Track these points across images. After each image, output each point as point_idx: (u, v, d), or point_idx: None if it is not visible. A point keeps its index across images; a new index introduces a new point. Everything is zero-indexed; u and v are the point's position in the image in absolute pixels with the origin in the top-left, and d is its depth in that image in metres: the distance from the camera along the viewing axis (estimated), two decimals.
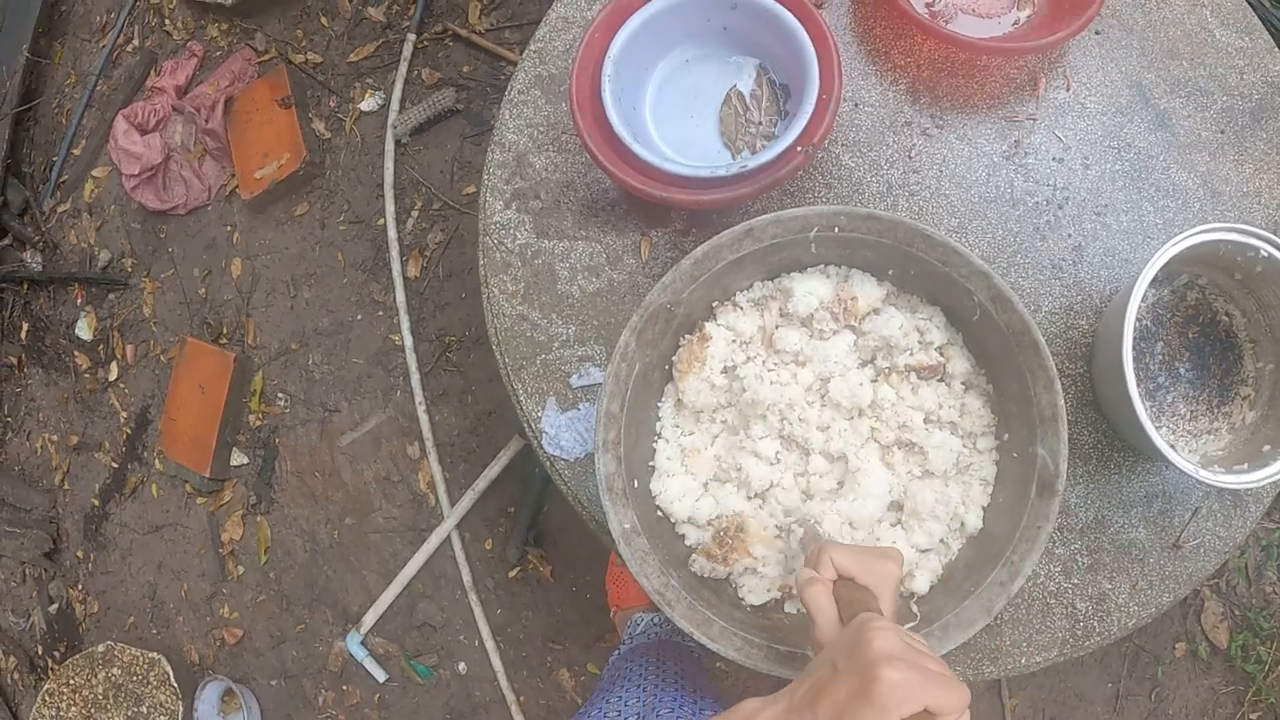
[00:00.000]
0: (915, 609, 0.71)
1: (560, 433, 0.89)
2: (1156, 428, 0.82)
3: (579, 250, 0.93)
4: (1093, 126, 0.90)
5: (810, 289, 0.75)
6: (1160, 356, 0.83)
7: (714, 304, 0.78)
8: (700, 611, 0.68)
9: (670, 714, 0.85)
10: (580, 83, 0.86)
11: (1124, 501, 0.83)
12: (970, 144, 0.90)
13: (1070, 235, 0.88)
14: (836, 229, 0.72)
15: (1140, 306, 0.78)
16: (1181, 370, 0.83)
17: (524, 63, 1.01)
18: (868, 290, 0.76)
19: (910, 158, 0.90)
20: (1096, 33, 0.92)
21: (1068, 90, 0.91)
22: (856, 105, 0.91)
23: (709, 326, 0.77)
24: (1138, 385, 0.82)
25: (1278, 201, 0.88)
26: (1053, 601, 0.81)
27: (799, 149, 0.79)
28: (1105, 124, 0.90)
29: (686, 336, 0.78)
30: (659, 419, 0.79)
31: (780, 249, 0.74)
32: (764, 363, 0.77)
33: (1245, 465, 0.75)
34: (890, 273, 0.76)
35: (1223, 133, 0.89)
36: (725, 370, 0.77)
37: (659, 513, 0.76)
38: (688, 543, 0.76)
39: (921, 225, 0.71)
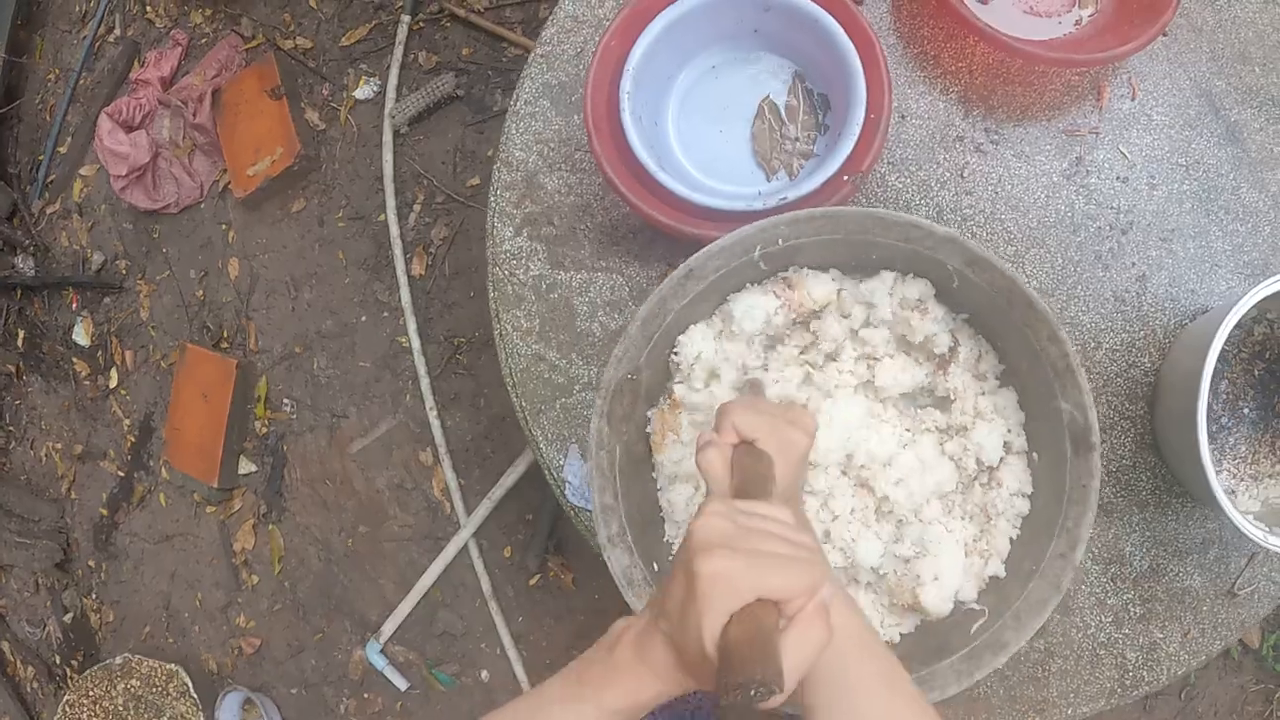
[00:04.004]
0: (978, 605, 0.68)
1: (585, 483, 0.84)
2: (1218, 471, 0.78)
3: (599, 283, 0.86)
4: (1159, 141, 0.83)
5: (750, 304, 0.70)
6: (1225, 396, 0.79)
7: (673, 356, 0.73)
8: None
9: None
10: (595, 101, 0.78)
11: (1180, 549, 0.79)
12: (1028, 161, 0.83)
13: (1134, 264, 0.81)
14: (780, 241, 0.66)
15: None
16: (1245, 410, 0.79)
17: (529, 69, 0.93)
18: (818, 286, 0.71)
19: (963, 177, 0.82)
20: (1164, 34, 0.84)
21: (1133, 99, 0.83)
22: (903, 117, 0.83)
23: (679, 390, 0.71)
24: None
25: None
26: (1102, 652, 0.78)
27: (846, 178, 0.71)
28: (1173, 138, 0.83)
29: (661, 401, 0.72)
30: (659, 486, 0.74)
31: (729, 276, 0.68)
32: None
33: None
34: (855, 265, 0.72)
35: None
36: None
37: None
38: None
39: (871, 209, 0.66)
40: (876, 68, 0.73)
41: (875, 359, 0.70)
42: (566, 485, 0.85)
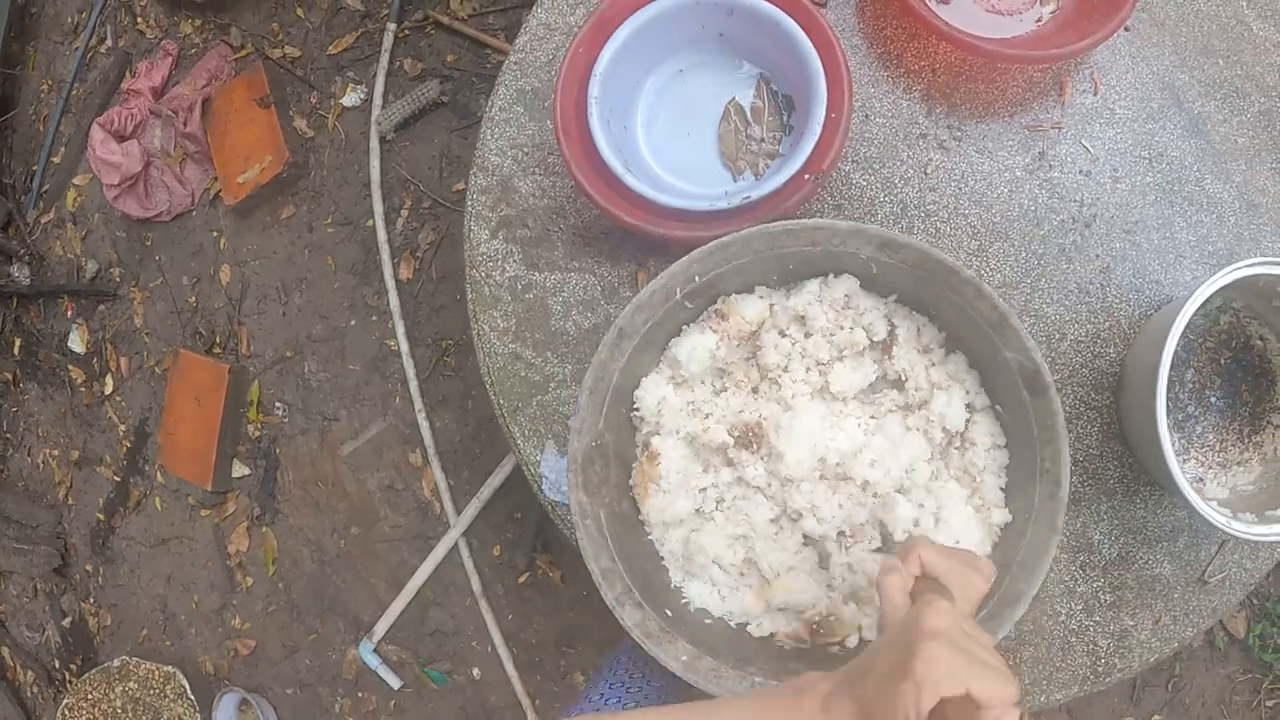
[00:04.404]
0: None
1: (561, 478, 0.86)
2: (1185, 459, 0.79)
3: (572, 283, 0.88)
4: (1122, 134, 0.84)
5: (691, 346, 0.72)
6: (1191, 385, 0.79)
7: (634, 413, 0.75)
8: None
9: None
10: (565, 105, 0.80)
11: (1149, 537, 0.80)
12: (991, 157, 0.84)
13: (1098, 256, 0.82)
14: (697, 277, 0.68)
15: None
16: (1212, 399, 0.79)
17: (504, 76, 0.94)
18: (748, 307, 0.72)
19: (926, 174, 0.84)
20: (1126, 29, 0.85)
21: (1095, 94, 0.84)
22: (867, 116, 0.85)
23: (655, 441, 0.73)
24: (1168, 416, 0.78)
25: None
26: (1073, 640, 0.79)
27: (807, 177, 0.73)
28: (1136, 131, 0.84)
29: (639, 456, 0.74)
30: (653, 536, 0.75)
31: (662, 325, 0.71)
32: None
33: (1279, 510, 0.72)
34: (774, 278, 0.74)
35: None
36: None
37: (707, 619, 0.73)
38: (755, 632, 0.73)
39: (769, 225, 0.67)
40: (837, 68, 0.75)
41: (824, 364, 0.72)
42: (543, 480, 0.86)
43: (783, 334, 0.73)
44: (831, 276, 0.72)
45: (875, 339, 0.72)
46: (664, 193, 0.77)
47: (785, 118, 0.84)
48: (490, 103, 0.93)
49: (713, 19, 0.81)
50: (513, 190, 0.91)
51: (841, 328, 0.71)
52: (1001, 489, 0.71)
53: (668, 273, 0.68)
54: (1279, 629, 1.46)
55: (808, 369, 0.72)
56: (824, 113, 0.74)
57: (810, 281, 0.72)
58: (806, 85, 0.77)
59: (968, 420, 0.71)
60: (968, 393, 0.71)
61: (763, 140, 0.83)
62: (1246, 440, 0.79)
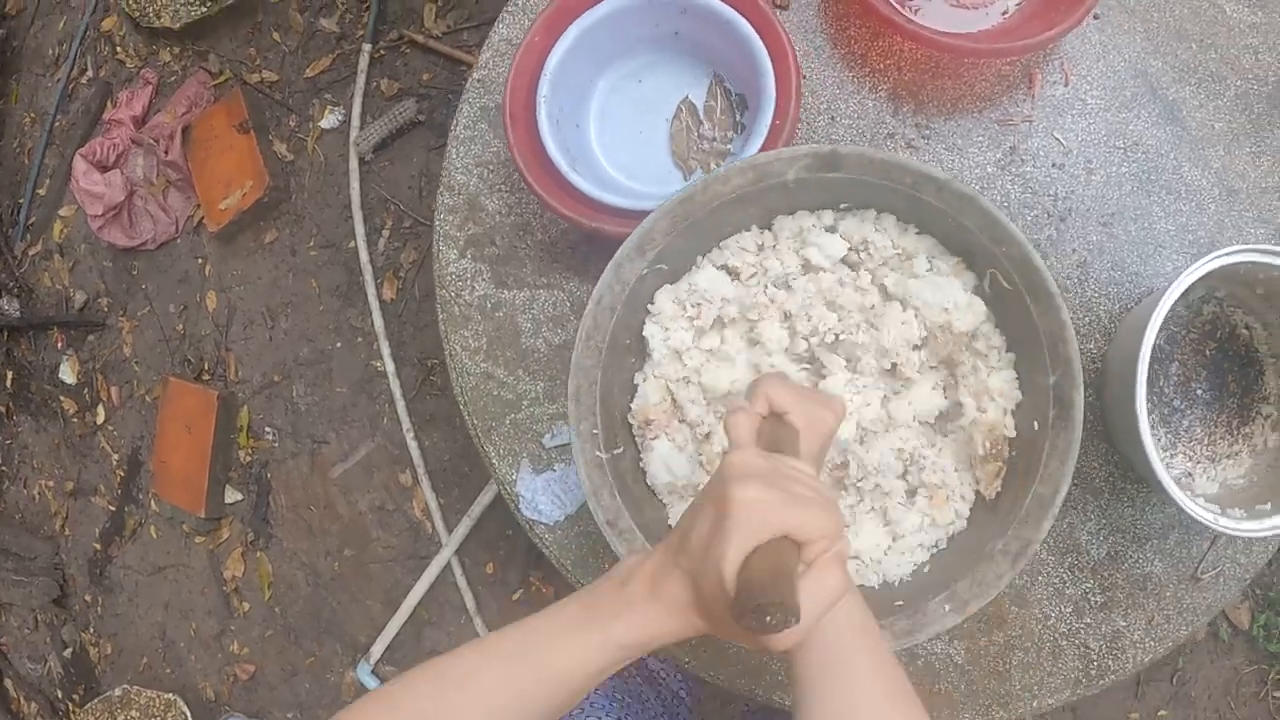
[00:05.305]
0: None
1: (536, 496, 0.85)
2: (1172, 454, 0.77)
3: (541, 300, 0.88)
4: (1095, 125, 0.82)
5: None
6: (1175, 378, 0.78)
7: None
8: None
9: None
10: (515, 101, 0.80)
11: (1139, 535, 0.78)
12: (960, 154, 0.82)
13: (1075, 250, 0.81)
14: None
15: None
16: (1199, 391, 0.78)
17: (467, 94, 0.94)
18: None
19: None
20: (1095, 17, 0.83)
21: (1066, 85, 0.82)
22: (833, 119, 0.84)
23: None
24: (1152, 412, 0.77)
25: None
26: (1064, 643, 0.78)
27: None
28: (1109, 121, 0.82)
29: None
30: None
31: (616, 343, 0.70)
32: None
33: (1268, 505, 0.70)
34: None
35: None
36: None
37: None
38: None
39: (678, 192, 0.67)
40: (786, 73, 0.74)
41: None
42: (519, 499, 0.86)
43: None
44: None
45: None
46: (609, 191, 0.77)
47: (738, 116, 0.83)
48: (455, 121, 0.93)
49: (666, 18, 0.81)
50: (480, 208, 0.91)
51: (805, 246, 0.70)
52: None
53: (600, 278, 0.68)
54: None
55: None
56: (772, 113, 0.74)
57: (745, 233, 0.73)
58: (757, 85, 0.76)
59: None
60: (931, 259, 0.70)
61: (714, 139, 0.83)
62: (1235, 432, 0.77)
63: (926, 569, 0.70)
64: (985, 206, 0.64)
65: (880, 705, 0.47)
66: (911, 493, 0.71)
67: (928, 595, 0.64)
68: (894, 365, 0.71)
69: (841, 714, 0.46)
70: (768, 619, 0.38)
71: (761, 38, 0.76)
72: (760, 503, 0.42)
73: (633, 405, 0.74)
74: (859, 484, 0.70)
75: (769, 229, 0.73)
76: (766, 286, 0.71)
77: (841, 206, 0.71)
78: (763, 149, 0.73)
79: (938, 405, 0.71)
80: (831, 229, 0.72)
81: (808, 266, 0.72)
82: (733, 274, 0.73)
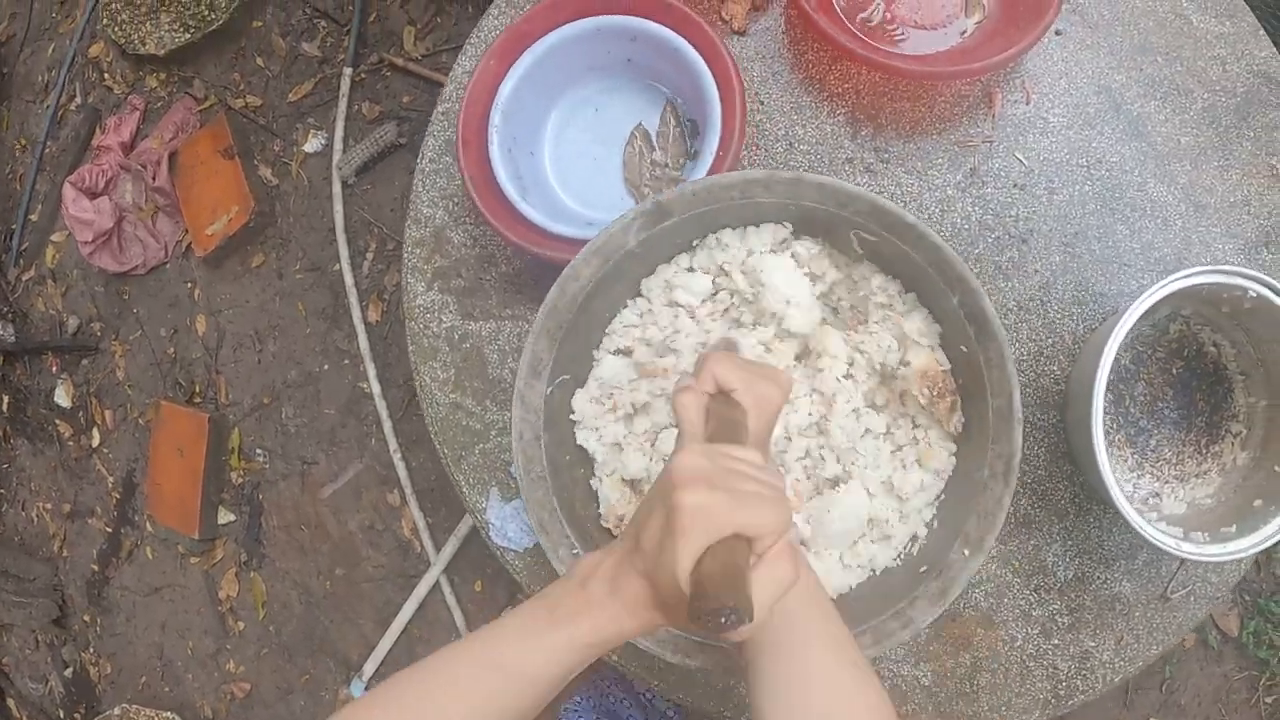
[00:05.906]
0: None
1: (506, 523, 0.86)
2: (1139, 475, 0.77)
3: (506, 331, 0.88)
4: (1057, 144, 0.81)
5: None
6: (1142, 399, 0.77)
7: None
8: None
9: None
10: (469, 129, 0.81)
11: (1106, 556, 0.78)
12: (920, 177, 0.82)
13: (1037, 271, 0.80)
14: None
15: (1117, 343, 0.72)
16: (1166, 411, 0.77)
17: (432, 127, 0.95)
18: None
19: None
20: (1057, 33, 0.82)
21: (1028, 104, 0.82)
22: (791, 145, 0.84)
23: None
24: (1118, 432, 0.77)
25: (1268, 209, 0.79)
26: (1032, 664, 0.77)
27: None
28: (1071, 139, 0.81)
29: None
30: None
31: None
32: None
33: (1233, 527, 0.69)
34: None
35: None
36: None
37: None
38: None
39: (542, 307, 0.68)
40: (732, 102, 0.75)
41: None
42: (489, 527, 0.87)
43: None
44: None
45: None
46: (560, 221, 0.77)
47: (689, 143, 0.83)
48: (420, 154, 0.93)
49: (617, 45, 0.81)
50: (446, 240, 0.92)
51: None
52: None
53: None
54: (1273, 625, 1.43)
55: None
56: (718, 140, 0.75)
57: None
58: (705, 111, 0.77)
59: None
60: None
61: (666, 166, 0.83)
62: (1204, 451, 0.77)
63: (935, 524, 0.70)
64: (812, 180, 0.65)
65: (831, 671, 0.48)
66: (897, 450, 0.72)
67: (945, 550, 0.65)
68: (806, 347, 0.72)
69: (793, 682, 0.48)
70: (723, 620, 0.40)
71: (708, 65, 0.77)
72: (707, 507, 0.43)
73: (600, 511, 0.74)
74: (851, 466, 0.71)
75: (640, 295, 0.74)
76: (655, 359, 0.73)
77: (694, 244, 0.72)
78: (712, 169, 0.74)
79: (877, 362, 0.72)
80: (690, 269, 0.73)
81: (688, 311, 0.73)
82: (627, 354, 0.74)
